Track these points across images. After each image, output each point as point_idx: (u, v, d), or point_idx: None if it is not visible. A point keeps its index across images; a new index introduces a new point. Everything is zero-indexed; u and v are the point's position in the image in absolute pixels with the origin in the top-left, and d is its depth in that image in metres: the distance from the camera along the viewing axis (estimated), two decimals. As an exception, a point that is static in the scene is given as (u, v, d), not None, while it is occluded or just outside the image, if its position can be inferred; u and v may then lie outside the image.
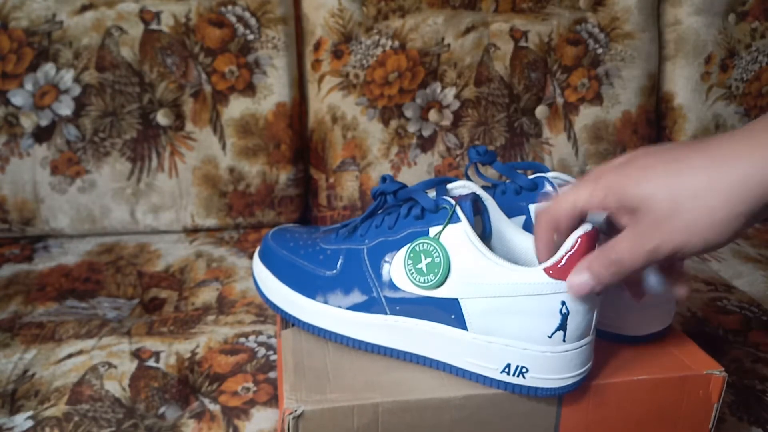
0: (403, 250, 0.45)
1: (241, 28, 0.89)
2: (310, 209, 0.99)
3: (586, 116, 1.00)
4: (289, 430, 0.41)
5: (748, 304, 0.77)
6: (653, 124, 1.04)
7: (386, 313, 0.46)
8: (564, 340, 0.42)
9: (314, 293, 0.49)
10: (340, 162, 0.94)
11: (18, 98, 0.84)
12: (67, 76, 0.85)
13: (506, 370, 0.44)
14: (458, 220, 0.43)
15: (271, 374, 0.61)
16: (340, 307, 0.48)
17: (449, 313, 0.44)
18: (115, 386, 0.58)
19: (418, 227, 0.45)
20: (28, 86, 0.84)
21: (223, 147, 0.90)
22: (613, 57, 1.00)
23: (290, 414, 0.41)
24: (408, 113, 0.95)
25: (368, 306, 0.47)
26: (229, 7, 0.89)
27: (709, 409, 0.47)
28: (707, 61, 1.02)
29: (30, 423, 0.54)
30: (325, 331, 0.48)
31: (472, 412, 0.44)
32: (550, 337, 0.42)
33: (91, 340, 0.65)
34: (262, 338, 0.67)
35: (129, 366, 0.61)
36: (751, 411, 0.58)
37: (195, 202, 0.91)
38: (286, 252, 0.52)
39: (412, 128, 0.95)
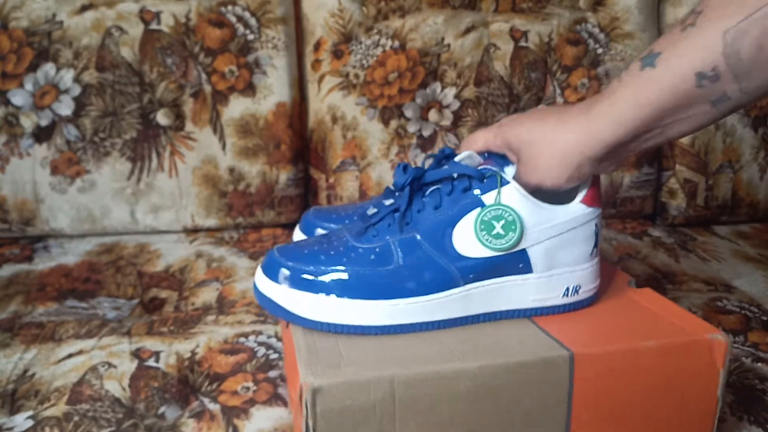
0: (469, 222, 0.48)
1: (241, 28, 0.89)
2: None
3: (586, 116, 1.00)
4: (307, 404, 0.41)
5: (748, 304, 0.77)
6: (653, 124, 1.04)
7: (461, 285, 0.49)
8: (595, 254, 0.53)
9: (379, 293, 0.47)
10: (340, 162, 0.94)
11: (18, 98, 0.84)
12: (67, 76, 0.85)
13: (566, 293, 0.51)
14: (507, 182, 0.49)
15: (271, 374, 0.61)
16: (413, 295, 0.48)
17: (518, 263, 0.50)
18: (115, 386, 0.59)
19: (468, 199, 0.49)
20: (28, 86, 0.84)
21: (223, 147, 0.90)
22: (613, 57, 1.00)
23: (308, 388, 0.41)
24: (408, 113, 0.95)
25: (444, 284, 0.48)
26: (229, 7, 0.89)
27: (715, 375, 0.47)
28: (707, 61, 1.02)
29: (30, 423, 0.54)
30: (399, 326, 0.48)
31: (486, 382, 0.44)
32: (590, 255, 0.52)
33: (91, 340, 0.65)
34: (262, 338, 0.67)
35: (129, 366, 0.61)
36: (751, 411, 0.58)
37: (195, 202, 0.91)
38: (324, 266, 0.48)
39: (412, 128, 0.95)
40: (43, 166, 0.86)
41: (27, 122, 0.85)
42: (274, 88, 0.91)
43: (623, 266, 0.87)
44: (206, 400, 0.58)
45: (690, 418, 0.48)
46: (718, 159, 1.04)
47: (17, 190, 0.86)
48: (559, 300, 0.51)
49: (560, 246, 0.50)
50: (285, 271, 0.48)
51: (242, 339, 0.66)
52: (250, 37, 0.90)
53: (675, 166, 1.04)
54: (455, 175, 0.50)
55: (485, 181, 0.49)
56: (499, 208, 0.48)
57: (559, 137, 0.47)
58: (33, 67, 0.84)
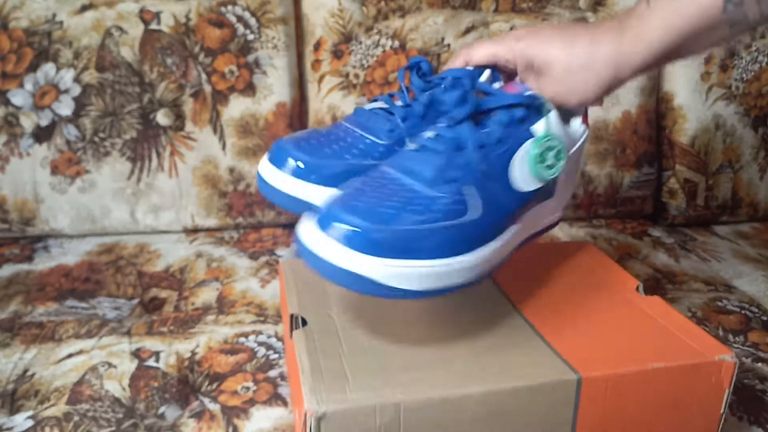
0: (522, 155, 0.47)
1: (241, 28, 0.89)
2: (310, 209, 0.99)
3: (586, 116, 1.00)
4: (311, 431, 0.40)
5: (748, 304, 0.77)
6: (653, 124, 1.04)
7: (517, 223, 0.48)
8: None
9: (465, 247, 0.42)
10: (340, 162, 0.94)
11: (18, 98, 0.84)
12: (67, 76, 0.85)
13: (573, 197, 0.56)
14: (550, 108, 0.48)
15: (271, 373, 0.61)
16: (484, 245, 0.44)
17: (549, 191, 0.51)
18: (115, 386, 0.59)
19: (522, 130, 0.47)
20: (28, 86, 0.84)
21: (223, 147, 0.90)
22: (613, 57, 1.00)
23: (312, 415, 0.40)
24: (408, 113, 0.95)
25: (507, 225, 0.47)
26: (229, 7, 0.89)
27: (720, 395, 0.47)
28: (707, 61, 1.02)
29: (30, 423, 0.54)
30: (471, 281, 0.44)
31: (492, 407, 0.44)
32: (579, 173, 0.58)
33: (91, 340, 0.65)
34: (261, 338, 0.67)
35: (129, 366, 0.61)
36: (751, 411, 0.58)
37: (195, 202, 0.91)
38: (384, 223, 0.40)
39: (412, 128, 0.95)
40: (43, 166, 0.86)
41: (27, 122, 0.85)
42: (274, 88, 0.91)
43: (623, 267, 0.87)
44: (206, 400, 0.58)
45: None
46: (718, 159, 1.04)
47: (17, 190, 0.86)
48: (555, 219, 0.55)
49: (571, 164, 0.52)
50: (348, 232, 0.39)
51: (242, 339, 0.66)
52: (250, 37, 0.90)
53: (675, 166, 1.04)
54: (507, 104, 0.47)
55: (531, 108, 0.47)
56: (551, 138, 0.47)
57: (594, 58, 0.48)
58: (33, 67, 0.84)
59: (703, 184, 1.03)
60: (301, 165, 0.50)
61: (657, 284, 0.82)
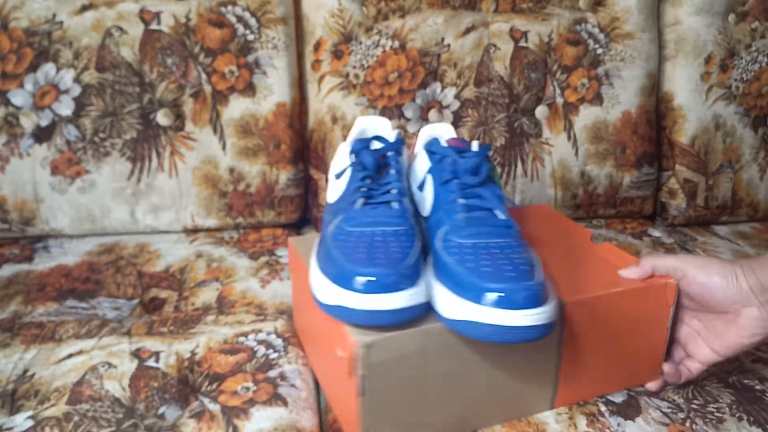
0: None
1: (241, 28, 0.89)
2: (310, 209, 0.99)
3: (586, 116, 1.00)
4: (359, 358, 0.48)
5: (748, 304, 0.77)
6: (653, 124, 1.04)
7: None
8: None
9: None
10: (340, 162, 0.94)
11: (18, 98, 0.84)
12: (67, 76, 0.85)
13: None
14: None
15: (271, 373, 0.61)
16: None
17: None
18: (115, 386, 0.59)
19: None
20: (28, 86, 0.84)
21: (223, 147, 0.90)
22: (613, 57, 1.00)
23: (361, 344, 0.48)
24: (408, 113, 0.95)
25: None
26: (229, 7, 0.89)
27: (667, 311, 0.60)
28: (707, 61, 1.02)
29: (30, 423, 0.54)
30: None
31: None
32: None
33: (91, 340, 0.65)
34: (261, 335, 0.67)
35: (129, 366, 0.61)
36: (751, 411, 0.58)
37: (195, 202, 0.91)
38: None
39: (412, 128, 0.95)
40: (43, 166, 0.86)
41: (27, 122, 0.85)
42: (274, 88, 0.91)
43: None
44: (206, 400, 0.58)
45: (649, 345, 0.61)
46: (718, 159, 1.04)
47: (17, 190, 0.86)
48: None
49: None
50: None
51: (242, 338, 0.66)
52: (250, 37, 0.90)
53: (675, 166, 1.04)
54: None
55: None
56: None
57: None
58: (33, 67, 0.84)
59: (703, 184, 1.03)
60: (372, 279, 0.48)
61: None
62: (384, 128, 0.68)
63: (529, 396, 0.57)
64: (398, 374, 0.51)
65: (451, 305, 0.49)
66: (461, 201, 0.56)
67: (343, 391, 0.54)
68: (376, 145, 0.63)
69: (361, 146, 0.61)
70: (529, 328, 0.46)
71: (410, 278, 0.48)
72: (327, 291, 0.49)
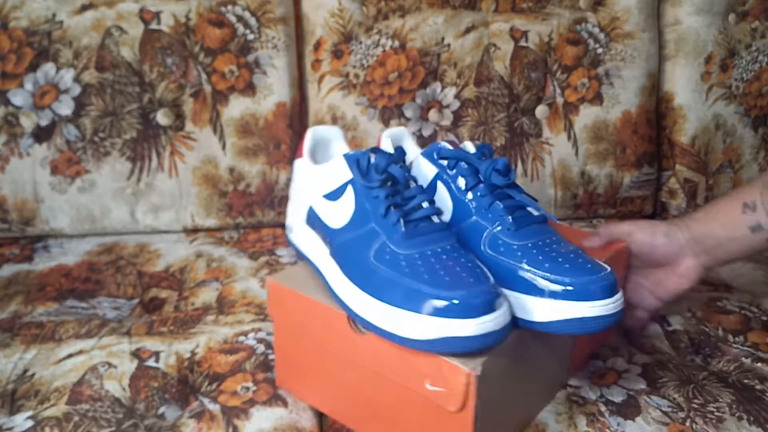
0: None
1: (241, 28, 0.89)
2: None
3: (586, 116, 1.00)
4: (474, 388, 0.46)
5: (748, 304, 0.77)
6: (653, 124, 1.04)
7: None
8: None
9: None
10: (340, 162, 0.94)
11: (18, 98, 0.84)
12: (67, 76, 0.85)
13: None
14: None
15: (271, 374, 0.61)
16: None
17: None
18: (115, 386, 0.59)
19: None
20: (28, 86, 0.84)
21: (223, 147, 0.90)
22: (613, 57, 1.00)
23: (476, 375, 0.45)
24: (408, 113, 0.95)
25: None
26: (229, 7, 0.89)
27: (622, 271, 0.67)
28: (707, 61, 1.02)
29: (30, 423, 0.54)
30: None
31: None
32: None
33: (91, 340, 0.65)
34: (261, 334, 0.67)
35: (129, 366, 0.61)
36: (751, 411, 0.58)
37: (195, 202, 0.91)
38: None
39: (412, 128, 0.95)
40: (43, 166, 0.86)
41: (27, 122, 0.85)
42: (274, 88, 0.91)
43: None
44: (206, 400, 0.58)
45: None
46: (718, 159, 1.04)
47: (17, 190, 0.86)
48: None
49: None
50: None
51: (242, 338, 0.66)
52: (250, 37, 0.90)
53: (675, 166, 1.04)
54: None
55: None
56: None
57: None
58: (33, 67, 0.84)
59: (703, 184, 1.03)
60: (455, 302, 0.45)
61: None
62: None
63: (552, 376, 0.60)
64: (493, 394, 0.48)
65: (547, 309, 0.49)
66: (499, 204, 0.54)
67: (430, 429, 0.50)
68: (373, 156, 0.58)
69: (386, 160, 0.53)
70: (616, 314, 0.50)
71: (499, 293, 0.46)
72: (423, 325, 0.44)
